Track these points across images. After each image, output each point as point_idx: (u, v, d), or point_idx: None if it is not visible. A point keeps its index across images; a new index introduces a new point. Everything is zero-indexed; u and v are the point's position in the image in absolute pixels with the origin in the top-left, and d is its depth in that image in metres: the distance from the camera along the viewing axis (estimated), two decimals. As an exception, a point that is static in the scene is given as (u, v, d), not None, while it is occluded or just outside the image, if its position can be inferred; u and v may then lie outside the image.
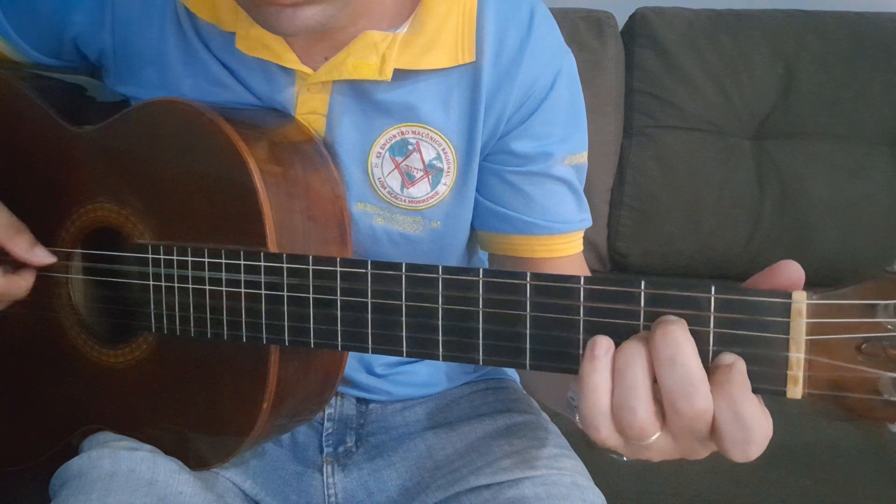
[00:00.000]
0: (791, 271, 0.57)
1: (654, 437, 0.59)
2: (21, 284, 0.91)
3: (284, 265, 0.73)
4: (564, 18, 1.73)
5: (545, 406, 1.05)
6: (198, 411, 0.86)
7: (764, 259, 1.79)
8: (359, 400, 1.05)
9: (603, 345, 0.59)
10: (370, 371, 1.03)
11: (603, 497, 0.90)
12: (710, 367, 0.57)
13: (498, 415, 1.00)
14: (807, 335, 0.53)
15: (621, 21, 1.83)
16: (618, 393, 0.58)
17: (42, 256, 0.90)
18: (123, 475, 0.84)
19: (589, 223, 0.98)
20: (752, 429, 0.55)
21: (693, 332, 0.56)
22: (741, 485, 1.32)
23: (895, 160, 1.78)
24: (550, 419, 1.03)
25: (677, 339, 0.56)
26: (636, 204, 1.79)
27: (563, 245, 0.95)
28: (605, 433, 0.60)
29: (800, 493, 1.31)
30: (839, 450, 1.42)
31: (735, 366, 0.56)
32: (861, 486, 1.34)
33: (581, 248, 0.98)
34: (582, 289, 0.59)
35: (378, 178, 0.90)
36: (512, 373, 1.13)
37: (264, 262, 0.74)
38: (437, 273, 0.65)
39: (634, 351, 0.58)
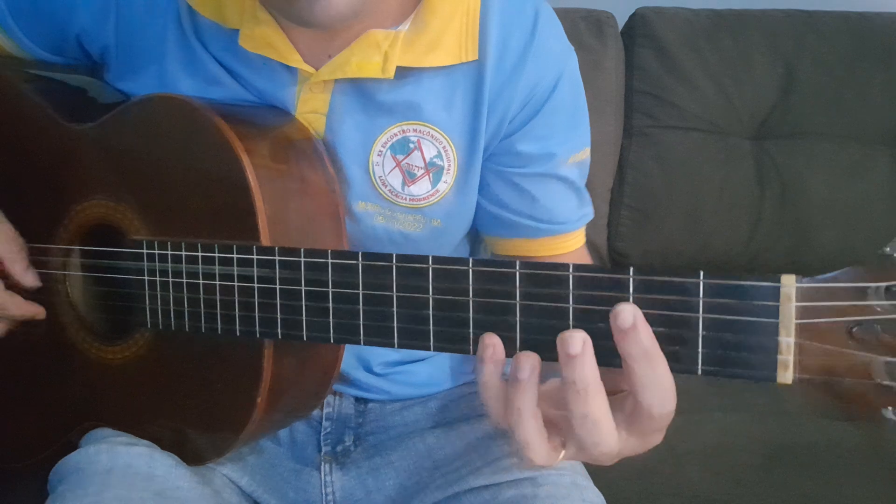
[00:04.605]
0: None
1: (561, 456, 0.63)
2: (19, 303, 0.93)
3: (276, 258, 0.73)
4: (564, 18, 1.71)
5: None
6: (194, 407, 0.86)
7: (764, 259, 1.79)
8: (357, 399, 1.05)
9: (527, 364, 0.60)
10: (369, 370, 1.04)
11: (602, 497, 0.90)
12: (697, 372, 0.58)
13: (497, 415, 1.00)
14: (797, 319, 0.52)
15: (621, 21, 1.83)
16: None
17: (31, 281, 0.93)
18: (121, 470, 0.84)
19: (590, 216, 0.99)
20: (669, 388, 0.58)
21: (682, 319, 0.56)
22: (741, 485, 1.32)
23: (895, 160, 1.78)
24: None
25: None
26: (636, 204, 1.78)
27: (565, 243, 0.97)
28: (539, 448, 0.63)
29: (800, 493, 1.31)
30: (839, 450, 1.42)
31: (640, 326, 0.57)
32: (861, 486, 1.33)
33: (583, 240, 1.00)
34: (571, 277, 0.59)
35: (379, 177, 0.90)
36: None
37: (257, 255, 0.74)
38: (428, 263, 0.65)
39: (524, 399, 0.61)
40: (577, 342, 0.57)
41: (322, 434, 1.02)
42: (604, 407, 0.59)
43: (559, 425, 0.63)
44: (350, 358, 1.00)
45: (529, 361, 0.60)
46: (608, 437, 0.60)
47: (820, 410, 1.47)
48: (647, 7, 1.82)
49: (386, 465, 0.98)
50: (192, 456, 0.87)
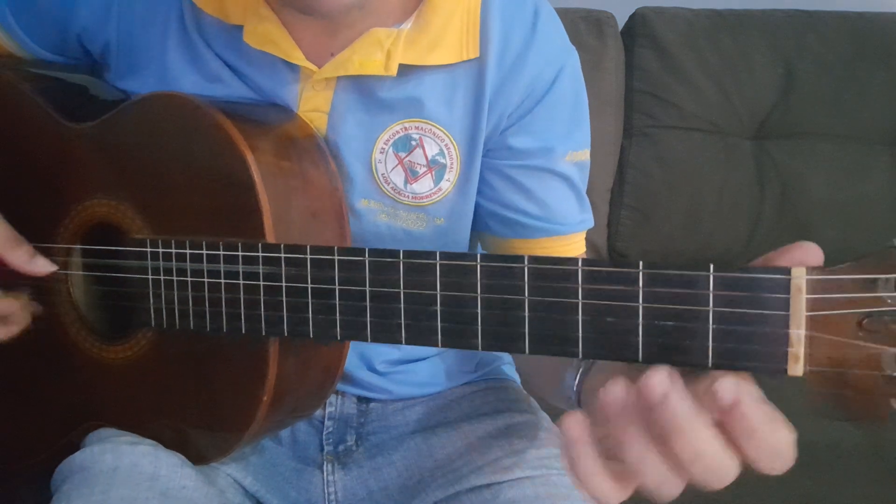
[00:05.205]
0: (809, 253, 0.55)
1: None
2: (13, 304, 0.91)
3: (282, 255, 0.73)
4: (564, 18, 1.70)
5: (545, 404, 1.04)
6: (197, 406, 0.85)
7: (764, 259, 1.79)
8: (359, 399, 1.05)
9: (574, 423, 0.56)
10: (371, 368, 1.03)
11: (603, 497, 0.89)
12: (709, 365, 0.55)
13: (498, 414, 1.00)
14: (807, 311, 0.52)
15: (621, 21, 1.83)
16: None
17: (43, 266, 0.90)
18: (126, 470, 0.84)
19: (590, 224, 0.98)
20: (785, 453, 0.54)
21: (692, 312, 0.55)
22: (741, 485, 1.30)
23: (895, 160, 1.78)
24: (551, 419, 1.03)
25: (675, 412, 0.53)
26: (636, 204, 1.79)
27: (563, 247, 0.96)
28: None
29: (800, 493, 1.31)
30: (839, 450, 1.42)
31: (742, 393, 0.53)
32: (861, 486, 1.34)
33: (583, 249, 0.98)
34: (580, 271, 0.58)
35: (382, 174, 0.90)
36: (512, 373, 1.13)
37: (262, 252, 0.74)
38: (435, 259, 0.65)
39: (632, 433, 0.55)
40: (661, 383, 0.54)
41: (324, 433, 1.02)
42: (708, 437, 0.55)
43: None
44: (352, 357, 1.00)
45: (577, 423, 0.56)
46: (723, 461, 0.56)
47: (820, 409, 1.46)
48: (647, 7, 1.82)
49: (388, 464, 0.98)
50: (195, 456, 0.87)
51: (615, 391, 0.55)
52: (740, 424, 0.53)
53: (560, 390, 0.77)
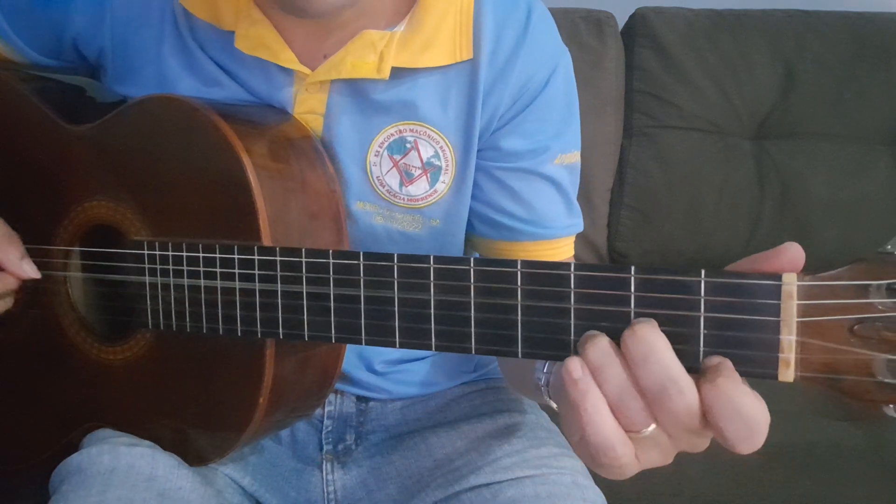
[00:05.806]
0: (793, 254, 0.54)
1: (649, 430, 0.56)
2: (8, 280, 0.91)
3: (278, 258, 0.73)
4: (564, 18, 1.72)
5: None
6: (196, 407, 0.86)
7: (764, 259, 1.79)
8: (359, 398, 1.06)
9: (577, 365, 0.56)
10: (370, 369, 1.04)
11: (603, 496, 0.90)
12: (700, 369, 0.55)
13: (498, 414, 1.00)
14: (798, 317, 0.52)
15: (621, 21, 1.83)
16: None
17: (29, 271, 0.90)
18: (123, 471, 0.84)
19: (579, 229, 0.98)
20: (756, 421, 0.52)
21: (684, 317, 0.56)
22: (741, 485, 1.32)
23: (895, 160, 1.78)
24: (550, 419, 1.03)
25: (646, 337, 0.54)
26: (636, 204, 1.78)
27: (549, 252, 0.96)
28: (621, 450, 0.56)
29: (800, 493, 1.31)
30: (839, 450, 1.42)
31: (723, 363, 0.54)
32: (861, 486, 1.33)
33: (571, 254, 0.98)
34: (573, 275, 0.59)
35: (377, 177, 0.90)
36: (511, 373, 1.13)
37: (258, 255, 0.74)
38: (429, 263, 0.65)
39: (605, 357, 0.56)
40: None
41: (323, 433, 1.02)
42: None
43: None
44: (351, 357, 1.00)
45: (579, 364, 0.56)
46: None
47: (820, 409, 1.47)
48: (647, 7, 1.82)
49: (387, 464, 0.98)
50: (194, 456, 0.87)
51: (601, 344, 0.56)
52: (724, 382, 0.53)
53: (531, 378, 0.77)
